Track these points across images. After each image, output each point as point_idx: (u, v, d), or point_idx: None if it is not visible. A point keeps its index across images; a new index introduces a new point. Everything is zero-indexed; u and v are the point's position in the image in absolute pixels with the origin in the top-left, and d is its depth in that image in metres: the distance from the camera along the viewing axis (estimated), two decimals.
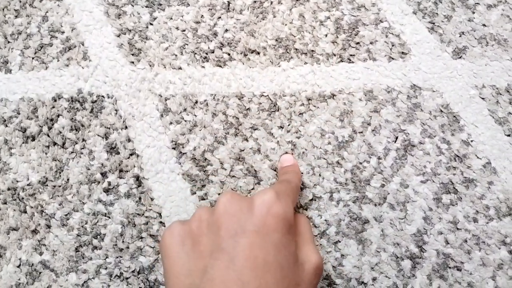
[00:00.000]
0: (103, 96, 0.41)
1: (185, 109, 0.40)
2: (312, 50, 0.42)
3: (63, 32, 0.42)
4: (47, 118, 0.40)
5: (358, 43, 0.42)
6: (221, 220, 0.30)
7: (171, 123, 0.40)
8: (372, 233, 0.37)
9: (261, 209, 0.29)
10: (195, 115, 0.40)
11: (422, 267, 0.36)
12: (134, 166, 0.39)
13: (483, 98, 0.41)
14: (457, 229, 0.37)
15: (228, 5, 0.43)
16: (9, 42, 0.42)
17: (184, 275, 0.29)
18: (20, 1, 0.43)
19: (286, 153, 0.39)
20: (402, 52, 0.42)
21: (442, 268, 0.36)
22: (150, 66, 0.41)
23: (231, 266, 0.28)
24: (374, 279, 0.36)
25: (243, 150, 0.39)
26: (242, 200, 0.31)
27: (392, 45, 0.42)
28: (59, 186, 0.38)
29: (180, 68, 0.41)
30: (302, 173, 0.39)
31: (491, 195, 0.38)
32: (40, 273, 0.36)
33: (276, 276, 0.28)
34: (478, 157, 0.39)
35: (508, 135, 0.40)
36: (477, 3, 0.43)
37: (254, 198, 0.31)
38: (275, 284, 0.28)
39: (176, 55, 0.42)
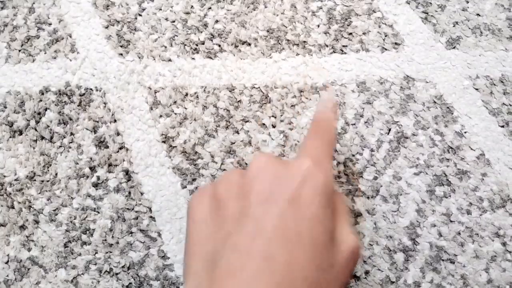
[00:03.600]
0: (91, 89, 0.40)
1: (175, 102, 0.39)
2: (304, 41, 0.41)
3: (50, 24, 0.41)
4: (35, 112, 0.39)
5: (350, 33, 0.41)
6: (252, 184, 0.27)
7: (160, 116, 0.39)
8: (365, 226, 0.37)
9: (297, 179, 0.26)
10: (185, 108, 0.39)
11: (415, 260, 0.36)
12: (124, 160, 0.38)
13: (477, 89, 0.40)
14: (451, 221, 0.37)
15: None
16: None
17: (206, 239, 0.26)
18: None
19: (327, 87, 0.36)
20: (395, 43, 0.41)
21: (435, 260, 0.36)
22: (139, 58, 0.40)
23: (258, 235, 0.25)
24: (366, 272, 0.36)
25: (234, 143, 0.39)
26: (278, 165, 0.27)
27: (385, 36, 0.41)
28: (47, 181, 0.38)
29: (169, 60, 0.41)
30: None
31: (485, 187, 0.38)
32: (28, 269, 0.36)
33: (308, 253, 0.25)
34: (471, 149, 0.39)
35: (502, 126, 0.39)
36: None
37: (291, 165, 0.27)
38: (306, 261, 0.24)
39: (165, 47, 0.41)
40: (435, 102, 0.40)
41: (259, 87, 0.40)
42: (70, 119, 0.39)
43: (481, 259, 0.36)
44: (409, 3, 0.42)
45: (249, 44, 0.41)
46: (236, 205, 0.26)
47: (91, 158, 0.38)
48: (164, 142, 0.39)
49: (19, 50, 0.41)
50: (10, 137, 0.39)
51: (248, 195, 0.26)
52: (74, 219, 0.37)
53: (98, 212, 0.37)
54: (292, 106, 0.39)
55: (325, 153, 0.29)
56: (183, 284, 0.27)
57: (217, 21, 0.42)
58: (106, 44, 0.41)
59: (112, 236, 0.36)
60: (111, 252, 0.36)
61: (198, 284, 0.25)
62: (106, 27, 0.41)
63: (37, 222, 0.37)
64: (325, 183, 0.27)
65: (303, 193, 0.26)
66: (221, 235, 0.26)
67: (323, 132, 0.30)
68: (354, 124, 0.39)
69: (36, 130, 0.39)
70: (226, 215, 0.26)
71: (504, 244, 0.36)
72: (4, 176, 0.38)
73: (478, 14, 0.42)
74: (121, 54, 0.41)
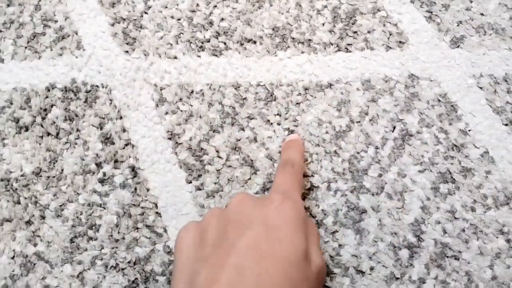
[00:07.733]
0: (97, 86, 0.40)
1: (180, 99, 0.40)
2: (309, 39, 0.41)
3: (56, 21, 0.42)
4: (41, 108, 0.39)
5: (355, 32, 0.42)
6: (231, 216, 0.30)
7: (166, 113, 0.39)
8: (370, 223, 0.37)
9: (270, 208, 0.30)
10: (191, 105, 0.40)
11: (419, 256, 0.36)
12: (130, 157, 0.38)
13: (481, 88, 0.40)
14: (455, 218, 0.37)
15: None
16: (1, 31, 0.41)
17: (188, 264, 0.29)
18: None
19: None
20: (400, 41, 0.41)
21: (440, 257, 0.36)
22: (145, 55, 0.41)
23: (232, 252, 0.28)
24: (371, 268, 0.36)
25: (239, 140, 0.39)
26: (254, 200, 0.32)
27: (390, 34, 0.41)
28: (53, 177, 0.38)
29: (175, 58, 0.41)
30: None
31: (489, 184, 0.38)
32: (34, 264, 0.36)
33: (279, 267, 0.28)
34: (476, 147, 0.39)
35: (506, 124, 0.39)
36: None
37: (264, 199, 0.32)
38: (278, 274, 0.27)
39: (171, 44, 0.41)
40: (439, 100, 0.40)
41: (264, 85, 0.40)
42: (76, 115, 0.39)
43: (486, 256, 0.36)
44: (413, 2, 0.42)
45: (255, 42, 0.41)
46: (215, 232, 0.30)
47: (97, 155, 0.38)
48: (170, 139, 0.39)
49: (25, 47, 0.41)
50: (16, 133, 0.39)
51: (227, 225, 0.30)
52: (80, 214, 0.37)
53: (104, 208, 0.37)
54: (297, 103, 0.40)
55: (294, 186, 0.33)
56: None
57: (222, 19, 0.42)
58: (112, 41, 0.41)
59: (118, 232, 0.37)
60: (117, 247, 0.36)
61: None
62: (112, 25, 0.42)
63: (43, 217, 0.37)
64: (294, 211, 0.31)
65: (275, 219, 0.30)
66: (201, 258, 0.29)
67: (290, 167, 0.35)
68: (359, 121, 0.39)
69: (42, 126, 0.39)
70: (207, 241, 0.30)
71: (508, 241, 0.37)
72: (11, 172, 0.38)
73: (482, 14, 0.42)
74: (127, 52, 0.41)
